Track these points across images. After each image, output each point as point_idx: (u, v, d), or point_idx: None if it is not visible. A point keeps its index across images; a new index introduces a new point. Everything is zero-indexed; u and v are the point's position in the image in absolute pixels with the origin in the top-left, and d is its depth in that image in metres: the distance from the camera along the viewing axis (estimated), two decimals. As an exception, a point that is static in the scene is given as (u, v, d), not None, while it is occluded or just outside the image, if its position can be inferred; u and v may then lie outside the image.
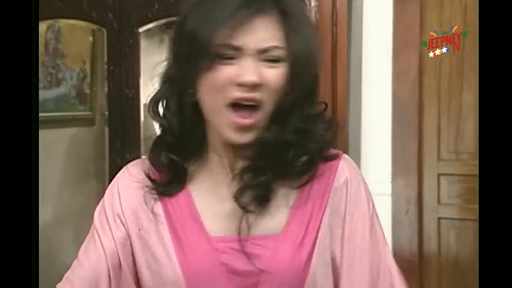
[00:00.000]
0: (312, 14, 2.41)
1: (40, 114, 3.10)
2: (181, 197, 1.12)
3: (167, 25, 2.85)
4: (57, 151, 3.16)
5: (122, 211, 1.13)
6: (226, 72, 1.03)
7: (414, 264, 2.63)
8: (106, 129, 2.75)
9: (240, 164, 1.11)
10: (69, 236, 2.88)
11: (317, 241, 1.10)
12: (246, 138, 1.06)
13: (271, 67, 1.05)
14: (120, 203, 1.13)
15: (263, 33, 1.04)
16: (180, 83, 1.09)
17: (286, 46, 1.05)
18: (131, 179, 1.15)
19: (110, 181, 1.19)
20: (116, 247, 1.11)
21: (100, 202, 1.17)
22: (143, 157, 1.19)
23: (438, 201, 2.63)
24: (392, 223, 2.67)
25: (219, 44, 1.02)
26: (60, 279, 1.12)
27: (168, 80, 1.12)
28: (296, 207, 1.11)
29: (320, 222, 1.11)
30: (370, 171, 2.77)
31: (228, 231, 1.09)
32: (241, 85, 1.03)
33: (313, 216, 1.11)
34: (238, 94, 1.03)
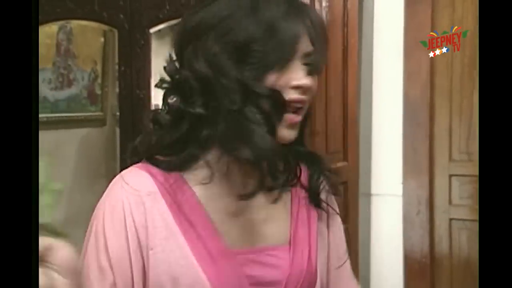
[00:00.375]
0: (323, 15, 2.41)
1: (51, 115, 3.10)
2: (193, 209, 1.07)
3: (178, 26, 2.85)
4: (68, 152, 3.17)
5: (148, 235, 1.04)
6: (284, 74, 1.05)
7: (425, 265, 2.62)
8: (117, 130, 2.75)
9: (250, 168, 1.10)
10: (80, 237, 2.90)
11: (318, 249, 1.16)
12: (294, 135, 1.09)
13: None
14: (147, 228, 1.04)
15: (306, 39, 1.07)
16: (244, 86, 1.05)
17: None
18: (140, 193, 1.06)
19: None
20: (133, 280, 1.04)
21: (106, 225, 1.06)
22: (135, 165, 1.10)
23: (450, 202, 2.63)
24: (403, 224, 2.67)
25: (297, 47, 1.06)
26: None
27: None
28: (295, 214, 1.15)
29: (316, 230, 1.17)
30: (381, 171, 2.76)
31: (242, 243, 1.09)
32: (297, 87, 1.06)
33: (310, 224, 1.16)
34: (295, 96, 1.06)
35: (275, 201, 1.12)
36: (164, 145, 1.09)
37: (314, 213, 1.18)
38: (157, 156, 1.09)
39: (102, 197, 1.10)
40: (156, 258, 1.04)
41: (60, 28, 3.05)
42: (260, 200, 1.12)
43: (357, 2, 2.67)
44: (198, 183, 1.08)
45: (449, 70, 2.57)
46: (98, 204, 1.10)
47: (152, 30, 2.52)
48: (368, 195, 2.78)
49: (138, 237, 1.04)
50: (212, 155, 1.08)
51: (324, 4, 2.41)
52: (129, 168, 1.10)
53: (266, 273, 1.08)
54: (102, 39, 3.19)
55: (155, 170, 1.08)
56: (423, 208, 2.64)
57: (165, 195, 1.06)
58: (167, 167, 1.08)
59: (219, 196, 1.09)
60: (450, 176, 2.61)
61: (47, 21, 2.64)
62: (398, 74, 2.68)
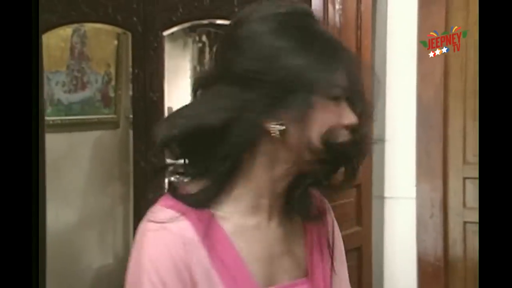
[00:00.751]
0: (337, 18, 2.40)
1: (65, 117, 3.11)
2: (226, 250, 1.04)
3: (191, 29, 2.85)
4: (82, 154, 3.18)
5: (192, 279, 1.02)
6: (333, 113, 1.03)
7: (439, 269, 2.61)
8: (131, 132, 2.76)
9: (279, 202, 1.09)
10: (94, 239, 2.90)
11: (331, 275, 1.15)
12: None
13: None
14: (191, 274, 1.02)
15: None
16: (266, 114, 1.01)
17: None
18: (182, 240, 1.01)
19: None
20: None
21: (163, 274, 1.00)
22: (159, 206, 1.04)
23: (464, 205, 2.61)
24: (416, 227, 2.66)
25: (335, 86, 1.03)
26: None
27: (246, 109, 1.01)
28: (309, 244, 1.14)
29: (330, 259, 1.15)
30: (395, 174, 2.75)
31: (269, 280, 1.08)
32: (347, 126, 1.05)
33: (323, 253, 1.15)
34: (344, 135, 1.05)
35: (291, 231, 1.11)
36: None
37: (324, 238, 1.16)
38: (182, 186, 1.06)
39: (142, 243, 1.03)
40: None
41: (74, 31, 3.07)
42: (279, 231, 1.10)
43: (371, 5, 2.66)
44: (227, 218, 1.05)
45: (463, 72, 2.56)
46: (139, 249, 1.03)
47: (165, 33, 2.53)
48: (382, 198, 2.77)
49: (191, 279, 1.01)
50: (239, 187, 1.06)
51: (337, 6, 2.41)
52: (160, 209, 1.04)
53: None
54: (116, 42, 3.21)
55: (185, 209, 1.02)
56: (436, 211, 2.62)
57: (204, 241, 1.02)
58: (196, 204, 1.03)
59: (247, 230, 1.07)
60: (464, 178, 2.60)
61: (61, 24, 2.65)
62: (411, 76, 2.67)
